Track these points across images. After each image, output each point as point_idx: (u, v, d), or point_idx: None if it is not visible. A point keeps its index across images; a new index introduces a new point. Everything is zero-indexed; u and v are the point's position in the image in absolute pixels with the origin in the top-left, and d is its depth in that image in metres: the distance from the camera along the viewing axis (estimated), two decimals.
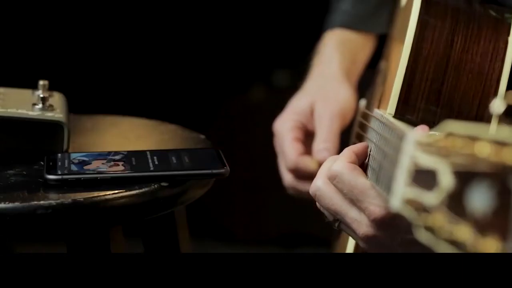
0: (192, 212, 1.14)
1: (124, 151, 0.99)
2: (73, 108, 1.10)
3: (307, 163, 1.10)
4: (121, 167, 0.94)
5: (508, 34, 0.92)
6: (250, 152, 2.37)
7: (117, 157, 0.97)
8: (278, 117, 1.18)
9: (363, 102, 1.21)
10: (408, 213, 0.61)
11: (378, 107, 1.04)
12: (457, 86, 0.93)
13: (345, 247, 1.08)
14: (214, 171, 0.96)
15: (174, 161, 0.97)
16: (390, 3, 1.24)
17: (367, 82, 1.25)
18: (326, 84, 1.18)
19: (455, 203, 0.56)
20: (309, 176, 1.07)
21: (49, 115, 1.01)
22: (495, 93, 0.91)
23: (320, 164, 0.98)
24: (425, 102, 0.93)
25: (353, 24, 1.25)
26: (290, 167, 1.11)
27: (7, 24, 2.44)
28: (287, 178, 1.14)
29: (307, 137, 1.15)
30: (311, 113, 1.15)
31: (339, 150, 1.02)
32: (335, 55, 1.21)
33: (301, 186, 1.12)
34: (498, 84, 0.91)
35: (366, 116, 1.08)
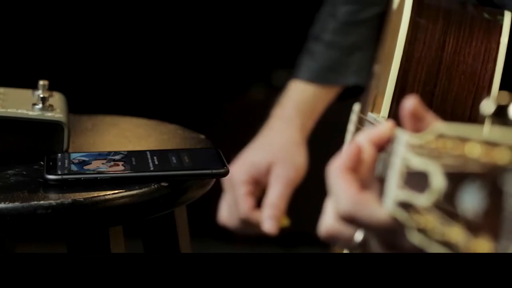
0: (192, 212, 1.14)
1: (124, 151, 0.99)
2: (73, 108, 1.10)
3: (258, 218, 1.23)
4: (121, 167, 0.94)
5: (500, 35, 0.92)
6: None
7: (117, 157, 0.97)
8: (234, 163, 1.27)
9: (357, 106, 1.21)
10: (401, 215, 0.61)
11: (372, 111, 1.04)
12: (450, 87, 0.92)
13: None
14: (214, 171, 0.96)
15: (174, 161, 0.97)
16: (365, 49, 1.25)
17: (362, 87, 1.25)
18: (286, 146, 1.26)
19: (447, 204, 0.56)
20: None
21: (49, 115, 1.01)
22: (487, 94, 0.91)
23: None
24: None
25: (320, 79, 1.28)
26: (242, 217, 1.25)
27: (7, 24, 2.44)
28: (244, 206, 1.26)
29: (260, 188, 1.27)
30: (268, 171, 1.25)
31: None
32: (296, 115, 1.29)
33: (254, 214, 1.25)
34: (490, 85, 0.91)
35: (360, 120, 1.08)
